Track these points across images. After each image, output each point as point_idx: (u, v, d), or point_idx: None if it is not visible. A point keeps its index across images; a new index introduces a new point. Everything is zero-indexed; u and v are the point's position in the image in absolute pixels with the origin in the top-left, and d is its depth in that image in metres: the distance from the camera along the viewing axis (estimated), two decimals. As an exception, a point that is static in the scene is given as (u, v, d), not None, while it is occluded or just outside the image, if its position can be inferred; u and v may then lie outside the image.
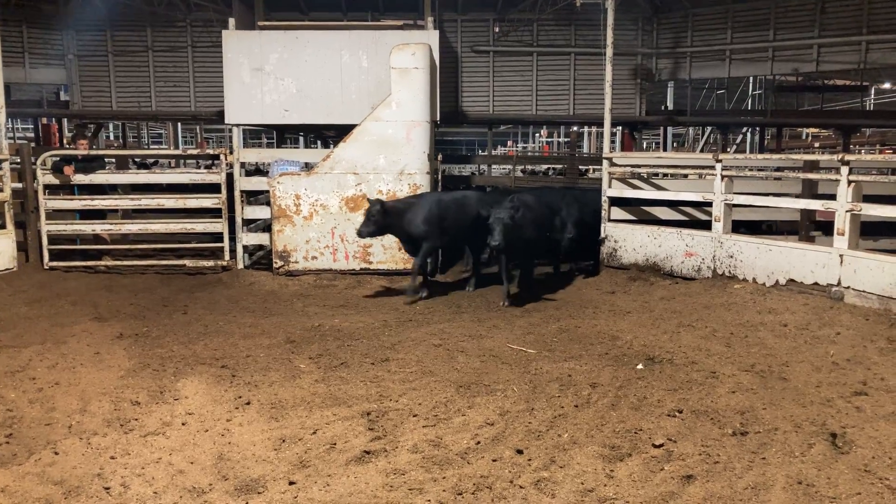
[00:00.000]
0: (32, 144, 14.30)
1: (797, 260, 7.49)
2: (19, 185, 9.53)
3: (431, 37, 9.96)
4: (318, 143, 19.83)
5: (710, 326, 6.47)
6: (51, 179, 9.46)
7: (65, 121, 17.82)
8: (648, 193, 9.64)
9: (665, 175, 10.20)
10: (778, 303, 7.06)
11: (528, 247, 7.96)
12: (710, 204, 8.51)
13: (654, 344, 6.02)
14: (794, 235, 9.00)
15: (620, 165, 9.76)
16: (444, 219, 8.24)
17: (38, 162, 9.38)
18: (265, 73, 9.72)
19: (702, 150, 19.98)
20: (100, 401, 4.75)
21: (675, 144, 24.30)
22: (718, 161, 8.34)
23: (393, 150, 9.23)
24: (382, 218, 7.80)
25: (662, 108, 17.66)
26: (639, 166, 9.85)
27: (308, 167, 9.69)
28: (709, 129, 20.40)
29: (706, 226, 8.67)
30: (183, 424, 4.41)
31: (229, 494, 3.57)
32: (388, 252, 9.38)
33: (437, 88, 10.31)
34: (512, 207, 7.36)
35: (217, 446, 4.11)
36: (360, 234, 7.84)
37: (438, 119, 10.66)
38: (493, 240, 7.21)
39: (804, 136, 24.21)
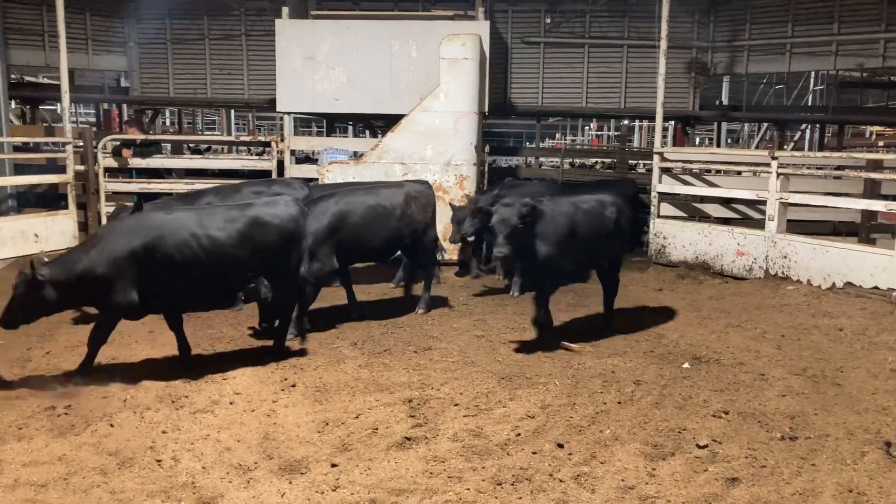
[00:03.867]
0: (94, 129, 14.82)
1: (856, 262, 7.23)
2: (81, 168, 9.90)
3: (482, 27, 9.91)
4: (367, 132, 19.98)
5: (761, 328, 6.30)
6: (111, 163, 9.80)
7: (124, 106, 18.38)
8: (699, 190, 9.44)
9: (718, 172, 9.95)
10: (834, 306, 6.83)
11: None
12: (763, 202, 8.28)
13: (701, 343, 5.90)
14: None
15: (672, 160, 9.57)
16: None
17: (100, 146, 9.72)
18: (317, 62, 9.83)
19: (756, 147, 19.40)
20: (153, 377, 4.92)
21: (728, 140, 23.61)
22: (774, 158, 8.10)
23: (440, 141, 9.22)
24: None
25: (717, 102, 17.16)
26: (691, 162, 9.64)
27: (356, 156, 9.78)
28: (764, 125, 19.75)
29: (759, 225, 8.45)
30: (231, 404, 4.53)
31: (273, 473, 3.66)
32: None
33: (487, 79, 10.26)
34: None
35: (263, 426, 4.21)
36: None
37: (486, 110, 10.61)
38: None
39: (867, 135, 23.18)
